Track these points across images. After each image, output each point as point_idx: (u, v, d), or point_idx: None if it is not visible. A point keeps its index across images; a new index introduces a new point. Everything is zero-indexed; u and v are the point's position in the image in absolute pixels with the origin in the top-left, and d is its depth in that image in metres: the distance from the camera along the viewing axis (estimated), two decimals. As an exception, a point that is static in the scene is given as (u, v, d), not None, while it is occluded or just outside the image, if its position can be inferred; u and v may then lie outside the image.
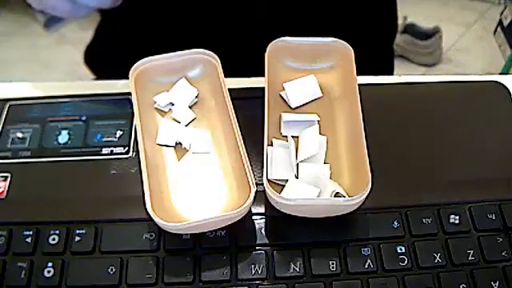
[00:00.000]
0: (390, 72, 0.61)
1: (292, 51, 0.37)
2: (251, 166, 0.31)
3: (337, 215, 0.31)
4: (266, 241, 0.32)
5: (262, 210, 0.33)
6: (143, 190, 0.30)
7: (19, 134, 0.37)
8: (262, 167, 0.31)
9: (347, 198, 0.31)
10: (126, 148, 0.36)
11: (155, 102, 0.36)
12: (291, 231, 0.32)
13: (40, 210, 0.33)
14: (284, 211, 0.31)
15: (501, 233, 0.32)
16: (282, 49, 0.37)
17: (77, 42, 0.61)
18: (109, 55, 0.60)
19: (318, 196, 0.32)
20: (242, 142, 0.32)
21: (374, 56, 0.52)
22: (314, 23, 0.48)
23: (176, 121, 0.36)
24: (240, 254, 0.32)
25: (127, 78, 0.35)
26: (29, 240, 0.32)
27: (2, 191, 0.34)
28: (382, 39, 0.59)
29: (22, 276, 0.31)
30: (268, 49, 0.36)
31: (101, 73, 0.61)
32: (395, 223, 0.33)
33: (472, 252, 0.32)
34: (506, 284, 0.31)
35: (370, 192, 0.30)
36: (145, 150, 0.32)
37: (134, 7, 0.46)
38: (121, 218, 0.33)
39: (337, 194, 0.32)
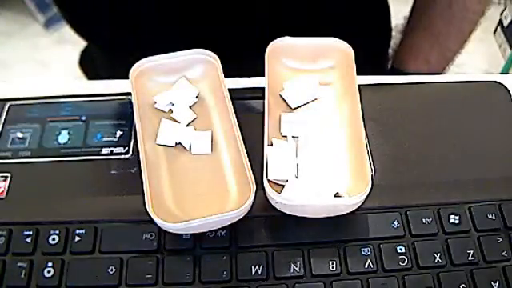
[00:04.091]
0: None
1: (292, 51, 0.37)
2: (251, 165, 0.31)
3: (337, 215, 0.31)
4: (266, 241, 0.32)
5: (262, 209, 0.32)
6: (143, 190, 0.30)
7: (19, 134, 0.37)
8: (262, 167, 0.31)
9: (347, 197, 0.31)
10: (126, 148, 0.36)
11: (155, 102, 0.36)
12: (291, 231, 0.32)
13: (40, 210, 0.33)
14: (284, 211, 0.31)
15: (501, 233, 0.32)
16: (281, 49, 0.37)
17: (77, 42, 0.61)
18: (104, 59, 0.60)
19: (318, 196, 0.32)
20: (242, 141, 0.32)
21: (369, 60, 0.53)
22: (314, 23, 0.48)
23: (176, 121, 0.36)
24: (240, 253, 0.32)
25: (127, 78, 0.35)
26: (29, 240, 0.32)
27: (2, 191, 0.34)
28: (377, 43, 0.59)
29: (22, 276, 0.31)
30: (268, 49, 0.36)
31: (95, 77, 0.61)
32: (395, 223, 0.33)
33: (472, 252, 0.32)
34: (506, 284, 0.31)
35: (370, 192, 0.30)
36: (145, 150, 0.32)
37: (133, 7, 0.46)
38: (121, 218, 0.33)
39: (337, 194, 0.32)
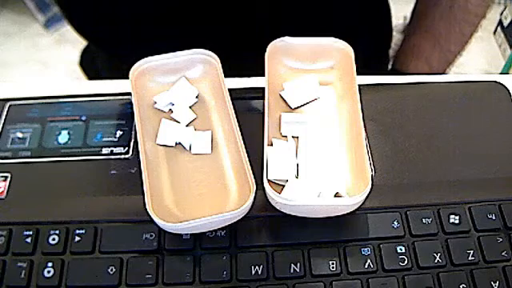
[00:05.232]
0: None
1: (292, 51, 0.37)
2: (251, 165, 0.31)
3: (337, 215, 0.31)
4: (266, 241, 0.32)
5: (262, 210, 0.33)
6: (143, 190, 0.30)
7: (19, 134, 0.37)
8: (262, 167, 0.31)
9: (347, 197, 0.31)
10: (126, 148, 0.36)
11: (155, 102, 0.36)
12: (291, 231, 0.32)
13: (40, 210, 0.33)
14: (284, 211, 0.31)
15: (501, 233, 0.32)
16: (282, 49, 0.37)
17: (77, 42, 0.61)
18: (104, 59, 0.60)
19: (318, 196, 0.32)
20: (242, 142, 0.32)
21: (369, 60, 0.52)
22: (314, 23, 0.48)
23: (176, 121, 0.36)
24: (240, 253, 0.32)
25: (127, 78, 0.35)
26: (29, 240, 0.32)
27: (2, 191, 0.34)
28: (377, 43, 0.59)
29: (22, 276, 0.31)
30: (268, 49, 0.36)
31: (95, 77, 0.61)
32: (395, 223, 0.33)
33: (472, 252, 0.32)
34: (506, 284, 0.31)
35: (370, 192, 0.30)
36: (145, 150, 0.32)
37: (133, 7, 0.46)
38: (121, 218, 0.33)
39: (337, 194, 0.32)
